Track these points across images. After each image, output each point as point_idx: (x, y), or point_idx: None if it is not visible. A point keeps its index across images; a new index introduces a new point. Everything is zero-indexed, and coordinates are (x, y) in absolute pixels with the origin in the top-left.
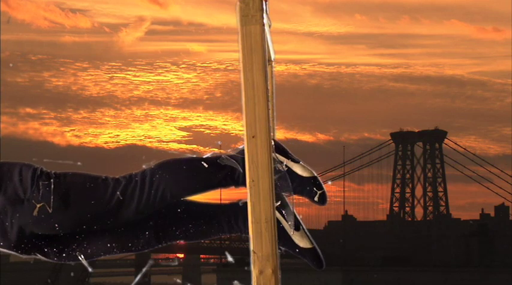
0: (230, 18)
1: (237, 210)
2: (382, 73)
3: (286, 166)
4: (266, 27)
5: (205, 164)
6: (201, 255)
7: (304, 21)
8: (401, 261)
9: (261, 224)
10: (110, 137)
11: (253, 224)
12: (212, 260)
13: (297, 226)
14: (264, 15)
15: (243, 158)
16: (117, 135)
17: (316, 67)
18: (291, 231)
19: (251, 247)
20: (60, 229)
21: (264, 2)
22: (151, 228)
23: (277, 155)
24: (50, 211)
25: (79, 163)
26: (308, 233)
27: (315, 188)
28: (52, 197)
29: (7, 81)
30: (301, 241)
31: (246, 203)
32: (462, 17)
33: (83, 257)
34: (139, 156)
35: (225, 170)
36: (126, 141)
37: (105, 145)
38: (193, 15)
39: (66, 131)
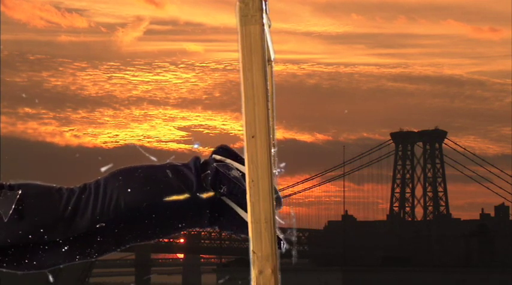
0: (229, 18)
1: (200, 205)
2: (380, 73)
3: (240, 171)
4: (266, 27)
5: (159, 172)
6: (201, 255)
7: (303, 21)
8: (401, 261)
9: (261, 224)
10: (109, 137)
11: (252, 224)
12: (212, 260)
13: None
14: (264, 15)
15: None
16: (116, 135)
17: (314, 67)
18: (246, 216)
19: (251, 247)
20: (17, 240)
21: (263, 2)
22: (110, 233)
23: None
24: (5, 220)
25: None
26: None
27: None
28: (12, 208)
29: (6, 81)
30: None
31: (208, 197)
32: (458, 16)
33: (43, 266)
34: (138, 156)
35: (179, 179)
36: (125, 140)
37: (103, 145)
38: (191, 15)
39: (65, 131)
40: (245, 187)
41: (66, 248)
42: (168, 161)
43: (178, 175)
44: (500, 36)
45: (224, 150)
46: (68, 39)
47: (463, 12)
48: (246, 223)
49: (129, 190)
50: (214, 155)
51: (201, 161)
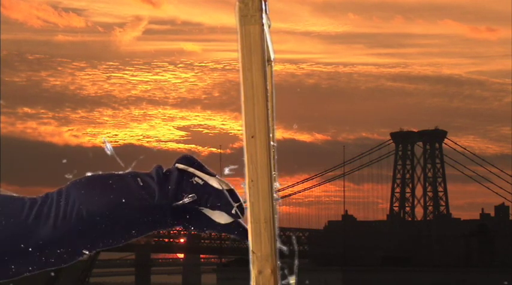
0: (227, 18)
1: (162, 211)
2: (380, 72)
3: (202, 180)
4: (266, 27)
5: (122, 181)
6: (201, 255)
7: (302, 21)
8: (401, 261)
9: (260, 224)
10: (108, 137)
11: (252, 224)
12: (212, 260)
13: (213, 206)
14: (264, 15)
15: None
16: (116, 135)
17: (313, 67)
18: (208, 211)
19: (250, 247)
20: None
21: (263, 2)
22: (74, 240)
23: (194, 170)
24: None
25: None
26: (227, 209)
27: (231, 201)
28: None
29: (5, 81)
30: (221, 218)
31: (170, 204)
32: (455, 16)
33: (8, 275)
34: (136, 156)
35: (141, 187)
36: (124, 140)
37: (103, 145)
38: (190, 15)
39: (64, 131)
40: (207, 195)
41: (31, 257)
42: (129, 169)
43: (141, 184)
44: (497, 36)
45: (188, 160)
46: (66, 39)
47: (459, 12)
48: (211, 220)
49: (91, 198)
50: (177, 165)
51: (164, 170)
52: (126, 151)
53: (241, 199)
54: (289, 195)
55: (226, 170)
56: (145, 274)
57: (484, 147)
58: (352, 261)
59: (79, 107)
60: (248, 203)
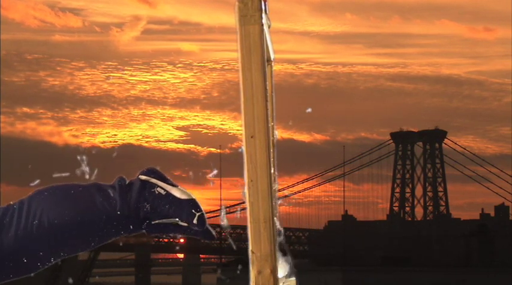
0: (227, 18)
1: (125, 220)
2: (379, 72)
3: (164, 190)
4: (265, 27)
5: (84, 191)
6: (201, 255)
7: (301, 21)
8: (401, 261)
9: (260, 224)
10: (107, 136)
11: (251, 224)
12: (212, 260)
13: (175, 215)
14: (263, 15)
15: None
16: (115, 135)
17: (312, 66)
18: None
19: (250, 247)
20: None
21: (263, 2)
22: (39, 249)
23: (158, 181)
24: None
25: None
26: (188, 218)
27: (193, 210)
28: None
29: (4, 81)
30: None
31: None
32: (453, 16)
33: None
34: (136, 156)
35: (103, 198)
36: (123, 140)
37: (102, 145)
38: (189, 15)
39: (63, 131)
40: (169, 204)
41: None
42: (92, 180)
43: (103, 194)
44: (495, 36)
45: (151, 172)
46: (63, 39)
47: (457, 12)
48: (173, 224)
49: (52, 208)
50: (140, 176)
51: (127, 182)
52: (125, 151)
53: (202, 209)
54: (289, 195)
55: (210, 175)
56: (145, 274)
57: (484, 147)
58: (352, 261)
59: (78, 107)
60: (248, 203)
